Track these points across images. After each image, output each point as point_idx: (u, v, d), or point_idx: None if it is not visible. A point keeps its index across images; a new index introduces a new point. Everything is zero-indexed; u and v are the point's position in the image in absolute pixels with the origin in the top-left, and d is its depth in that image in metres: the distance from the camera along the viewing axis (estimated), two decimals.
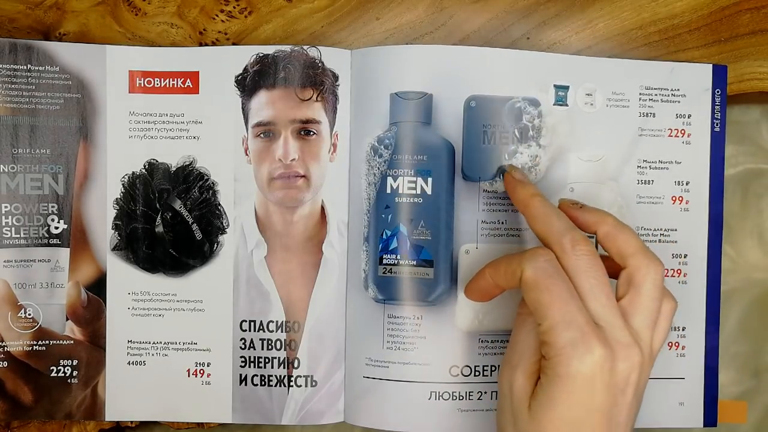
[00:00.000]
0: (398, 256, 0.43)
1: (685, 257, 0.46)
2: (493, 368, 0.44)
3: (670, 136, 0.46)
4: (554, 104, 0.45)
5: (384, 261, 0.43)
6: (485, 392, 0.44)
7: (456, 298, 0.44)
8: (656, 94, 0.45)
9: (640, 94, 0.45)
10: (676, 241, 0.46)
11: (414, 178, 0.43)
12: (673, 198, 0.46)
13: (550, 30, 0.46)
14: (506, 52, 0.45)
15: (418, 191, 0.43)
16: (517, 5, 0.46)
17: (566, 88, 0.45)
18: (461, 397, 0.44)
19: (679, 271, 0.46)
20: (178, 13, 0.46)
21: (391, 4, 0.46)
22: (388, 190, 0.44)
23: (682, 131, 0.46)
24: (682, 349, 0.46)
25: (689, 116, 0.46)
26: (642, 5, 0.46)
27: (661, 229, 0.46)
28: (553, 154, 0.45)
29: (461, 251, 0.44)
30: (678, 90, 0.46)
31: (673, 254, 0.46)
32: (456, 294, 0.44)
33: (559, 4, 0.46)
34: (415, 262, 0.43)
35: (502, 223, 0.44)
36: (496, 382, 0.44)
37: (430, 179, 0.43)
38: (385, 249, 0.43)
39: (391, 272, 0.43)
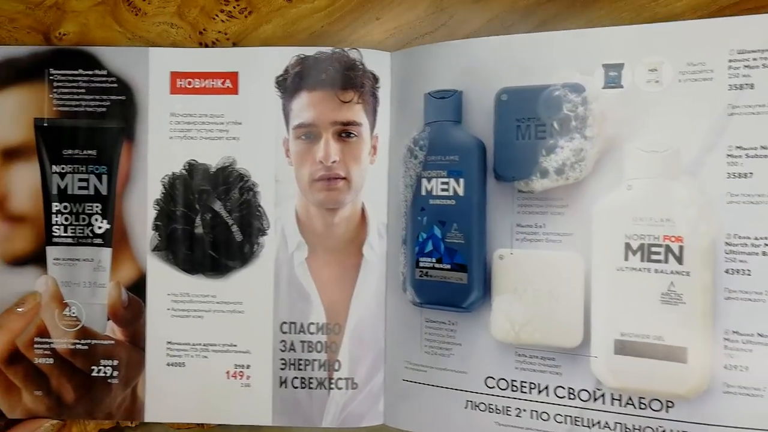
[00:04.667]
0: (434, 260, 0.42)
1: None
2: (532, 386, 0.41)
3: None
4: (604, 87, 0.39)
5: (420, 264, 0.43)
6: (524, 410, 0.41)
7: (491, 306, 0.41)
8: (755, 59, 0.36)
9: (729, 60, 0.36)
10: None
11: (447, 180, 0.42)
12: None
13: (550, 30, 0.46)
14: (537, 36, 0.41)
15: (451, 192, 0.42)
16: (517, 5, 0.46)
17: (620, 66, 0.39)
18: (498, 411, 0.42)
19: None
20: (178, 13, 0.46)
21: (391, 4, 0.46)
22: (423, 192, 0.43)
23: None
24: None
25: None
26: (642, 5, 0.46)
27: (765, 238, 0.36)
28: (603, 147, 0.39)
29: (495, 257, 0.41)
30: None
31: None
32: (491, 302, 0.41)
33: (559, 4, 0.46)
34: (449, 266, 0.42)
35: (540, 226, 0.41)
36: (535, 402, 0.41)
37: (461, 180, 0.42)
38: (422, 252, 0.42)
39: (428, 275, 0.42)
